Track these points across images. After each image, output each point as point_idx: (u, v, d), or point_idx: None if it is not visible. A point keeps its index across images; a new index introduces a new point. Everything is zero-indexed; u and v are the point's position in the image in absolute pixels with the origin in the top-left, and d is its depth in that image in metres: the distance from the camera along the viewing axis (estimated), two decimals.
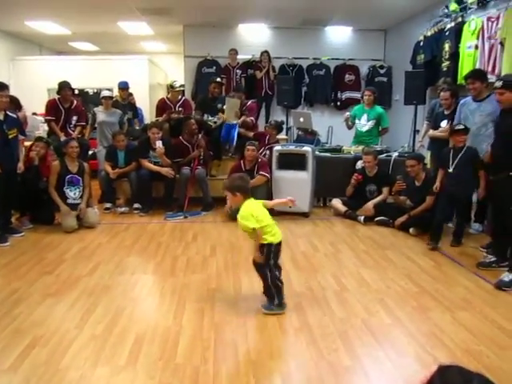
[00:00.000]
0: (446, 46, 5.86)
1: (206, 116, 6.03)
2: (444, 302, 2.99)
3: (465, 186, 4.10)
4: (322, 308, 2.90)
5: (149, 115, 8.09)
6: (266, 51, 7.82)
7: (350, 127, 6.06)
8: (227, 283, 3.30)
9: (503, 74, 4.76)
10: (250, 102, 6.20)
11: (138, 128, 6.38)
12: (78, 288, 3.18)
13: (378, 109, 6.02)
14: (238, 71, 7.89)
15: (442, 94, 4.89)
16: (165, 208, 5.31)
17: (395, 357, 2.35)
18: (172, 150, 5.38)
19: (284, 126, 7.10)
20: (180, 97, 6.17)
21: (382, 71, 8.36)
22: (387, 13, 7.26)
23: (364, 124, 5.91)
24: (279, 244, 2.85)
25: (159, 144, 5.22)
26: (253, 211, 2.74)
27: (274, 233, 2.81)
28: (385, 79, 8.33)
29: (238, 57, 7.94)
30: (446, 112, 4.87)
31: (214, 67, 8.12)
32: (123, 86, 6.50)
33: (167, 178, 5.28)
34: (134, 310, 2.90)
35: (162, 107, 6.02)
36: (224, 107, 5.81)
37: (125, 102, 6.53)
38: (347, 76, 8.35)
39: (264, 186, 5.16)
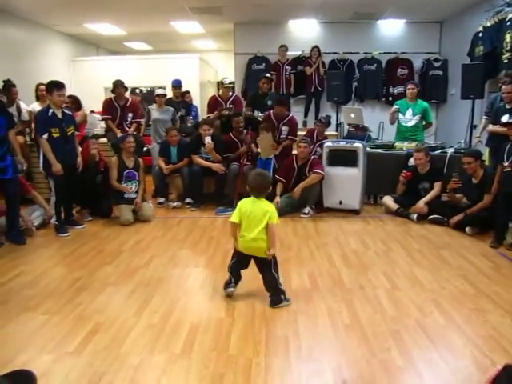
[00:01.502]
0: (508, 37, 5.57)
1: (256, 112, 6.10)
2: (503, 305, 2.87)
3: None
4: (374, 306, 2.87)
5: (200, 112, 8.27)
6: (316, 46, 7.76)
7: (393, 122, 5.93)
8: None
9: None
10: (290, 116, 5.79)
11: (190, 125, 6.52)
12: (134, 279, 3.33)
13: (423, 103, 5.87)
14: (287, 67, 7.88)
15: (504, 87, 4.65)
16: (215, 203, 5.42)
17: (450, 359, 2.29)
18: (222, 146, 5.49)
19: (334, 122, 7.07)
20: (230, 93, 6.26)
21: (437, 64, 8.07)
22: (444, 4, 7.00)
23: (409, 119, 5.77)
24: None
25: (208, 140, 5.33)
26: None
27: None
28: (440, 73, 8.04)
29: (288, 53, 7.93)
30: (508, 106, 4.64)
31: (264, 64, 8.17)
32: (176, 84, 6.67)
33: (218, 174, 5.40)
34: (188, 302, 2.99)
35: (213, 104, 6.15)
36: (258, 144, 5.40)
37: (178, 100, 6.71)
38: (400, 70, 8.13)
39: (318, 184, 5.14)
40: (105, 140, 5.96)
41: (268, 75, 6.39)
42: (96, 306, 2.89)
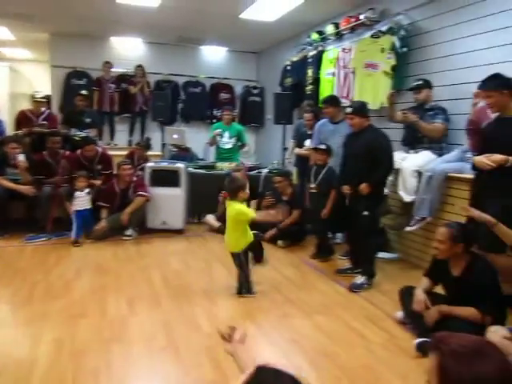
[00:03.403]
0: (309, 72, 6.39)
1: (73, 131, 5.71)
2: (304, 308, 3.21)
3: (324, 201, 4.39)
4: (191, 325, 2.91)
5: (10, 128, 7.38)
6: (141, 66, 7.71)
7: (213, 144, 6.28)
8: (92, 308, 3.12)
9: (355, 99, 5.36)
10: (101, 153, 5.30)
11: None
12: None
13: (237, 126, 6.41)
14: (111, 85, 7.62)
15: (305, 115, 5.32)
16: (25, 230, 4.85)
17: None
18: (34, 167, 4.97)
19: (159, 142, 7.07)
20: (44, 109, 5.76)
21: (255, 91, 8.79)
22: (258, 37, 7.67)
23: (227, 141, 6.18)
24: None
25: (21, 158, 4.79)
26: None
27: None
28: (258, 99, 8.77)
29: (112, 70, 7.68)
30: (309, 132, 5.29)
31: (85, 79, 7.74)
32: None
33: (28, 197, 4.85)
34: None
35: (21, 120, 5.57)
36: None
37: None
38: (222, 94, 8.60)
39: (142, 207, 5.04)
40: None
41: (84, 92, 6.07)
42: None
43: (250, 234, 3.42)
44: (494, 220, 2.42)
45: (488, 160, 2.92)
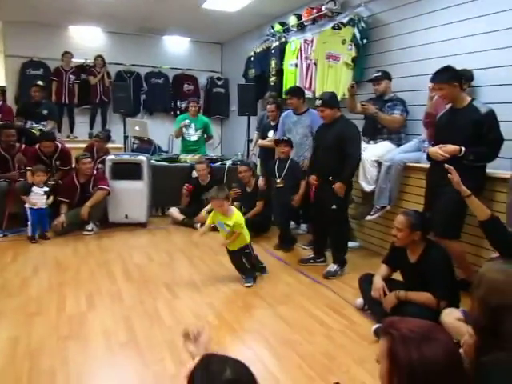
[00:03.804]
0: (273, 63, 6.39)
1: (29, 123, 5.51)
2: (267, 299, 3.24)
3: (290, 194, 4.41)
4: (152, 319, 2.87)
5: None
6: (101, 56, 7.49)
7: (179, 136, 6.20)
8: (49, 305, 3.03)
9: (317, 90, 5.40)
10: (60, 148, 5.10)
11: None
12: None
13: (203, 118, 6.34)
14: (71, 76, 7.37)
15: (268, 106, 5.31)
16: None
17: None
18: None
19: (121, 135, 6.92)
20: None
21: (219, 83, 8.71)
22: (221, 28, 7.59)
23: (193, 133, 6.12)
24: None
25: None
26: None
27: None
28: (222, 90, 8.70)
29: (72, 60, 7.43)
30: (272, 123, 5.30)
31: (42, 69, 7.45)
32: None
33: None
34: None
35: None
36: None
37: None
38: (186, 85, 8.48)
39: (103, 201, 4.92)
40: None
41: (39, 83, 5.84)
42: None
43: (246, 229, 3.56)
44: (469, 192, 2.48)
45: (441, 151, 3.01)
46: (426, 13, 4.11)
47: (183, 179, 5.38)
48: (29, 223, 4.44)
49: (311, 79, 5.63)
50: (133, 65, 8.11)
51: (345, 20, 5.07)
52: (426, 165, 3.46)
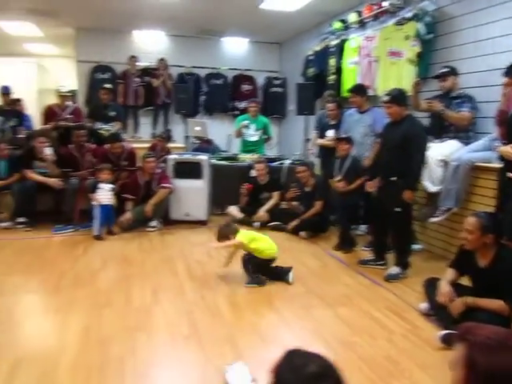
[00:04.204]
0: (332, 61, 6.31)
1: (98, 124, 5.82)
2: (327, 300, 3.21)
3: (350, 195, 4.34)
4: (213, 314, 2.95)
5: (37, 122, 7.57)
6: (163, 59, 7.76)
7: (239, 136, 6.28)
8: (117, 297, 3.19)
9: (379, 88, 5.27)
10: (129, 150, 5.43)
11: (22, 136, 5.91)
12: None
13: (263, 119, 6.36)
14: (136, 79, 7.70)
15: (327, 105, 5.26)
16: (53, 221, 4.99)
17: (279, 355, 2.47)
18: (60, 160, 5.09)
19: (182, 135, 7.14)
20: (69, 103, 5.88)
21: (277, 82, 8.74)
22: (280, 28, 7.61)
23: (253, 134, 6.17)
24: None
25: (48, 151, 4.93)
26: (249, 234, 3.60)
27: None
28: (280, 90, 8.72)
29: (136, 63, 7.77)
30: (331, 122, 5.24)
31: (109, 73, 7.85)
32: (4, 92, 6.01)
33: (55, 190, 4.99)
34: (12, 333, 2.69)
35: (48, 114, 5.69)
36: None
37: (9, 108, 6.05)
38: (244, 86, 8.58)
39: (166, 199, 5.10)
40: None
41: (108, 86, 6.15)
42: None
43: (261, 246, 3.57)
44: None
45: None
46: (496, 4, 3.89)
47: (242, 178, 5.45)
48: (95, 222, 4.65)
49: (372, 77, 5.50)
50: (193, 67, 8.32)
51: (408, 15, 4.90)
52: (497, 165, 3.28)
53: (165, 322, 2.82)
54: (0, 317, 2.87)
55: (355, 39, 5.90)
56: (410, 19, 4.83)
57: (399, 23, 4.94)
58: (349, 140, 4.36)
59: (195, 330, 2.71)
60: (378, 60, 5.32)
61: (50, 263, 3.88)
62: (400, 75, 4.95)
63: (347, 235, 4.46)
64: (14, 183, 4.98)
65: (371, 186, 3.90)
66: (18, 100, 6.27)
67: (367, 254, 4.12)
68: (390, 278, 3.58)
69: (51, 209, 5.16)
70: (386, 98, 3.60)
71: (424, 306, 2.99)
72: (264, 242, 3.56)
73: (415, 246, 4.34)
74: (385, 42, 5.18)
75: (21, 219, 4.97)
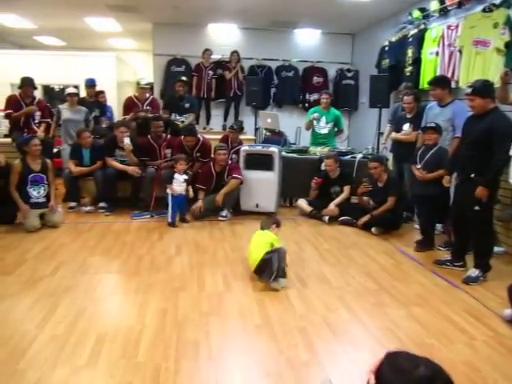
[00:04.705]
0: (410, 52, 6.05)
1: (173, 115, 6.03)
2: (400, 299, 3.11)
3: (430, 185, 4.09)
4: (284, 305, 2.97)
5: (117, 113, 7.99)
6: (236, 51, 7.86)
7: (309, 128, 6.21)
8: (191, 282, 3.32)
9: (461, 80, 4.98)
10: (202, 141, 5.46)
11: (104, 126, 6.29)
12: (39, 288, 3.14)
13: (335, 111, 6.23)
14: (209, 72, 7.88)
15: (405, 98, 5.04)
16: (131, 207, 5.27)
17: (351, 351, 2.44)
18: (139, 149, 5.35)
19: (252, 127, 7.21)
20: (148, 95, 6.14)
21: (349, 74, 8.54)
22: (355, 18, 7.42)
23: (323, 126, 6.09)
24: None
25: (127, 141, 5.19)
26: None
27: None
28: (352, 82, 8.52)
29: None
30: (408, 115, 5.03)
31: (184, 66, 8.11)
32: (90, 84, 6.41)
33: (133, 177, 5.25)
34: (97, 310, 2.89)
35: (129, 105, 5.98)
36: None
37: (92, 100, 6.45)
38: (315, 78, 8.49)
39: (236, 189, 5.20)
40: (9, 140, 5.57)
41: (183, 78, 6.33)
42: None
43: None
44: None
45: None
46: None
47: (312, 171, 5.41)
48: (169, 210, 4.83)
49: (454, 68, 5.20)
50: (264, 59, 8.36)
51: (498, 1, 4.57)
52: None
53: (237, 310, 2.88)
54: (84, 294, 3.09)
55: (436, 28, 5.61)
56: (499, 5, 4.51)
57: (487, 10, 4.62)
58: (435, 129, 4.12)
59: (267, 320, 2.75)
60: (462, 50, 5.02)
61: (128, 247, 4.11)
62: (486, 66, 4.65)
63: (427, 233, 4.26)
64: (97, 170, 5.32)
65: (447, 182, 3.74)
66: (102, 92, 6.67)
67: (443, 254, 3.94)
68: (470, 281, 3.40)
69: (130, 195, 5.43)
70: (468, 90, 3.40)
71: (508, 312, 2.81)
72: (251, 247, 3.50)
73: (497, 249, 4.07)
74: (470, 30, 4.87)
75: (102, 204, 5.30)
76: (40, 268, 3.51)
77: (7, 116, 5.68)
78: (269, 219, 3.81)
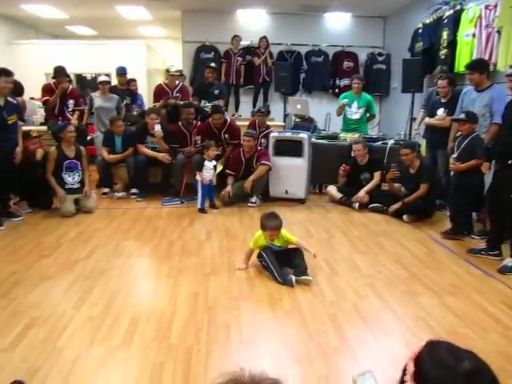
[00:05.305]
0: (444, 34, 5.85)
1: (203, 102, 6.05)
2: (433, 287, 3.06)
3: (467, 174, 3.95)
4: (314, 292, 2.97)
5: (147, 100, 8.09)
6: (265, 37, 7.77)
7: (340, 114, 6.12)
8: (221, 267, 3.36)
9: (499, 63, 4.78)
10: (229, 122, 5.59)
11: (135, 114, 6.38)
12: (75, 271, 3.25)
13: (367, 96, 6.11)
14: (238, 58, 7.84)
15: (439, 82, 4.88)
16: (162, 193, 5.35)
17: (382, 339, 2.43)
18: (169, 136, 5.41)
19: (281, 113, 7.16)
20: (177, 82, 6.17)
21: (380, 58, 8.33)
22: (387, 0, 7.21)
23: (355, 111, 5.99)
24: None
25: (158, 128, 5.25)
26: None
27: None
28: (383, 66, 8.31)
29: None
30: (442, 100, 4.88)
31: (213, 53, 8.08)
32: (121, 72, 6.49)
33: (164, 164, 5.33)
34: (130, 293, 2.97)
35: (159, 93, 6.03)
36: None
37: (123, 88, 6.55)
38: (346, 63, 8.32)
39: (265, 174, 5.20)
40: (45, 128, 5.73)
41: (213, 65, 6.34)
42: (32, 301, 2.79)
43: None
44: None
45: None
46: None
47: (342, 158, 5.34)
48: (199, 196, 4.87)
49: (492, 50, 5.00)
50: (294, 44, 8.24)
51: None
52: None
53: (266, 295, 2.91)
54: (118, 277, 3.18)
55: (473, 9, 5.38)
56: None
57: None
58: (468, 118, 3.95)
59: (297, 306, 2.76)
60: (501, 31, 4.81)
61: (160, 232, 4.18)
62: None
63: (458, 221, 4.15)
64: (129, 157, 5.41)
65: (486, 168, 3.63)
66: (133, 80, 6.76)
67: (478, 243, 3.84)
68: (506, 271, 3.30)
69: (160, 182, 5.52)
70: (509, 71, 3.26)
71: None
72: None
73: None
74: (510, 10, 4.65)
75: (134, 190, 5.41)
76: (76, 251, 3.63)
77: (44, 103, 5.84)
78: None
